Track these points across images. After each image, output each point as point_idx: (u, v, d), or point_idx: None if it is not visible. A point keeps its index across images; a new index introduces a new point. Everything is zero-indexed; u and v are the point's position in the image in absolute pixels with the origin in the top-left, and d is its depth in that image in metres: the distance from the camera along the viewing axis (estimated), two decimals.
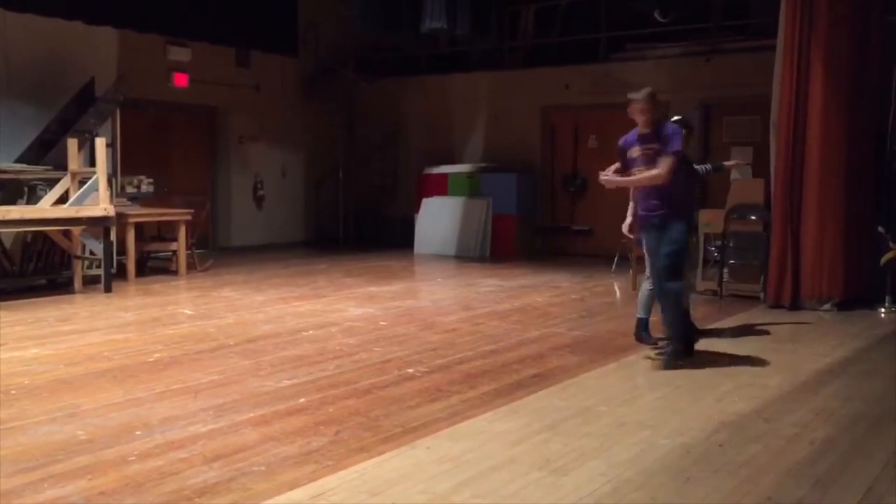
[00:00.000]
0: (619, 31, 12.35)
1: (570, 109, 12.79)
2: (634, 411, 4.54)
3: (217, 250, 12.66)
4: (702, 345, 6.13)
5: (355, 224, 14.21)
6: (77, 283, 8.76)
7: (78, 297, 8.40)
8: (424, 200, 13.13)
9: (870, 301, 7.95)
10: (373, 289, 9.06)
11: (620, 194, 6.56)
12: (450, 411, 4.45)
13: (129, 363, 5.50)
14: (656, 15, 11.72)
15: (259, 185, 13.76)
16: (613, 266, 10.62)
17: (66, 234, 8.75)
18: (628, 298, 8.32)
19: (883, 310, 7.80)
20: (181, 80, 12.34)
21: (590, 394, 4.85)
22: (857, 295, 7.99)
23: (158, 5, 10.53)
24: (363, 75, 14.22)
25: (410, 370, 5.37)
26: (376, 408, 4.49)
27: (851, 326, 7.16)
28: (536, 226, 13.02)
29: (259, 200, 13.79)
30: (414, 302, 8.43)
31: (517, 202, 12.56)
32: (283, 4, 12.36)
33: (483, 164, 13.07)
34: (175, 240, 10.01)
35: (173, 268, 10.12)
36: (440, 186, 13.07)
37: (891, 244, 7.86)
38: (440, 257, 12.50)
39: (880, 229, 7.92)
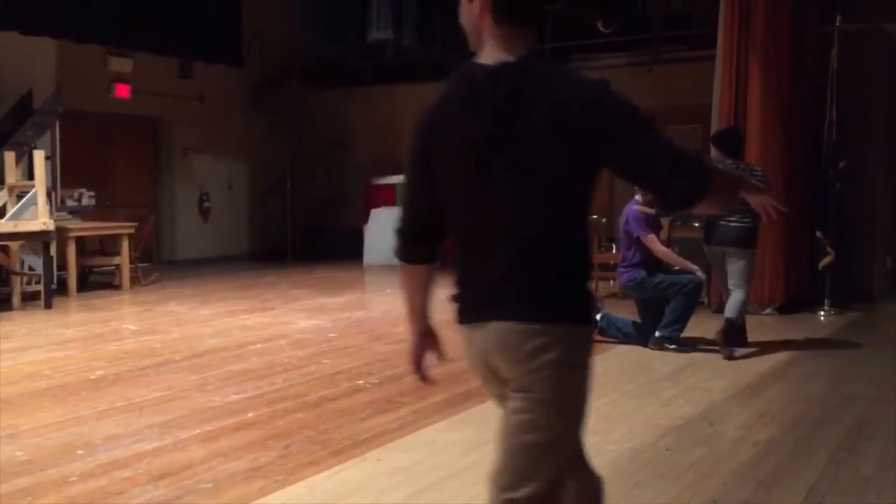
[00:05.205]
0: (564, 41, 12.48)
1: None
2: None
3: (162, 264, 12.44)
4: (647, 351, 6.23)
5: (303, 236, 14.09)
6: (16, 300, 8.53)
7: (17, 314, 8.17)
8: (373, 212, 13.07)
9: (810, 304, 8.16)
10: (322, 300, 9.00)
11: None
12: (400, 422, 4.43)
13: (70, 381, 5.37)
14: (599, 26, 11.90)
15: (205, 197, 13.57)
16: None
17: (4, 249, 8.52)
18: None
19: (822, 313, 8.00)
20: (123, 91, 12.13)
21: None
22: (797, 299, 8.19)
23: (98, 15, 10.27)
24: (309, 86, 14.13)
25: (360, 382, 5.34)
26: (326, 421, 4.46)
27: (792, 330, 7.32)
28: None
29: (205, 213, 13.60)
30: (364, 313, 8.39)
31: None
32: (226, 14, 12.18)
33: None
34: (118, 254, 9.82)
35: (116, 282, 9.92)
36: (389, 197, 13.01)
37: (828, 249, 8.08)
38: (390, 268, 12.45)
39: (818, 234, 8.14)
